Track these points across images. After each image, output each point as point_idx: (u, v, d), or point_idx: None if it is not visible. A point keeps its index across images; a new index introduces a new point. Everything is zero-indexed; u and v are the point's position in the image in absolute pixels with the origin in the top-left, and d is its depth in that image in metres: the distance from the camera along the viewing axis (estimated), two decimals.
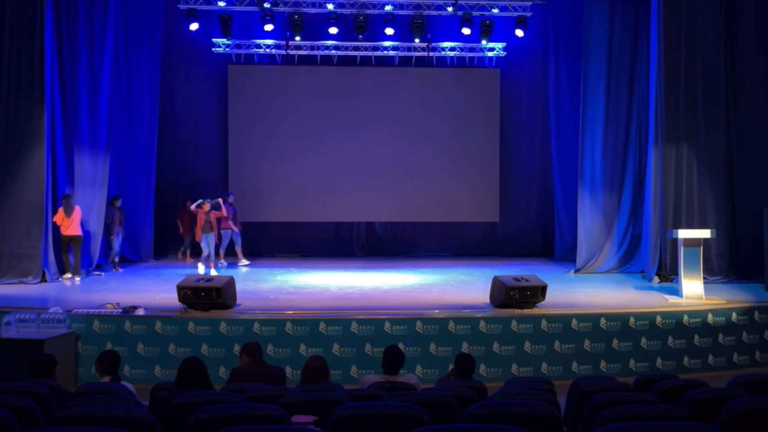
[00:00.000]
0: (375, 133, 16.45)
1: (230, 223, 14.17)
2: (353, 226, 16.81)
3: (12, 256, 11.72)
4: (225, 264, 14.15)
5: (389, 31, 15.05)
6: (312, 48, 16.00)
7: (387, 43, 15.98)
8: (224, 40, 15.58)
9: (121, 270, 13.48)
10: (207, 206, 13.33)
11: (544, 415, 4.17)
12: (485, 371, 8.81)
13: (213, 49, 15.86)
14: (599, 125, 13.49)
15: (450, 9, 14.84)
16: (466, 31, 15.00)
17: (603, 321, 9.18)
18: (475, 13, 14.99)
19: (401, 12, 15.05)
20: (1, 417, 3.90)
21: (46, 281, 11.85)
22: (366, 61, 16.35)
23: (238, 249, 14.39)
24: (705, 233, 10.37)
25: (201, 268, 12.84)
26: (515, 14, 15.12)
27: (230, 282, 9.65)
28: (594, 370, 9.06)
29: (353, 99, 16.45)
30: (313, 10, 14.92)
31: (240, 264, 14.33)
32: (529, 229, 16.97)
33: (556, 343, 9.07)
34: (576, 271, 13.48)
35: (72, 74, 12.82)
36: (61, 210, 12.15)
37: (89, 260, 13.10)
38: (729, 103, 12.60)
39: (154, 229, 15.04)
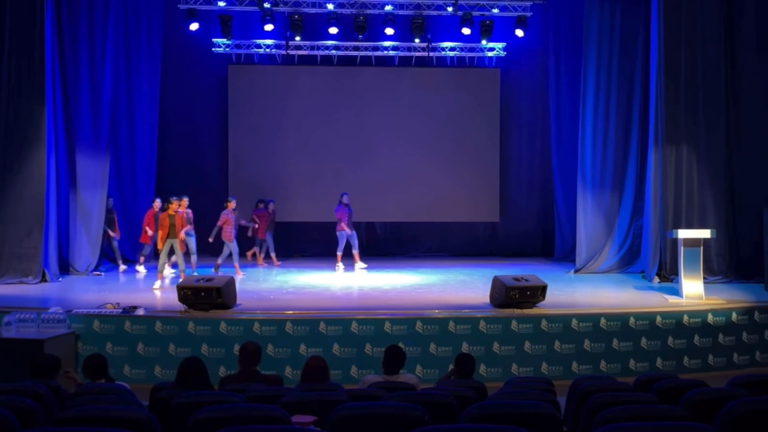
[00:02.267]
0: (375, 133, 16.45)
1: (344, 224, 14.02)
2: (353, 226, 16.78)
3: (12, 256, 11.73)
4: (342, 267, 13.90)
5: (389, 31, 15.04)
6: (312, 48, 16.00)
7: (387, 43, 15.98)
8: (224, 40, 15.58)
9: (125, 267, 13.36)
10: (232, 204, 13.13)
11: (544, 415, 4.17)
12: (485, 371, 8.81)
13: (213, 49, 15.85)
14: (599, 125, 13.49)
15: (450, 9, 14.83)
16: (466, 31, 14.99)
17: (603, 321, 9.19)
18: (475, 13, 14.97)
19: (401, 12, 15.04)
20: (1, 417, 3.90)
21: (46, 281, 11.85)
22: (366, 61, 16.35)
23: (355, 252, 14.14)
24: (705, 233, 10.37)
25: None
26: (515, 14, 15.11)
27: (230, 282, 9.65)
28: (594, 370, 9.07)
29: (353, 99, 16.45)
30: (313, 10, 14.92)
31: (357, 267, 14.03)
32: (529, 229, 16.97)
33: (556, 343, 9.07)
34: (576, 271, 13.48)
35: (72, 74, 12.83)
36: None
37: (89, 260, 13.10)
38: (729, 103, 12.60)
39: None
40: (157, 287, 11.28)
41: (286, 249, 14.64)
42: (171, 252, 11.97)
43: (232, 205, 13.17)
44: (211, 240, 13.20)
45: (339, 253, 14.01)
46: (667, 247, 12.20)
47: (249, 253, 14.92)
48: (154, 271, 12.30)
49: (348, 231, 14.05)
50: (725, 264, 12.40)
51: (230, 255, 13.07)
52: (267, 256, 14.78)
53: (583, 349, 9.11)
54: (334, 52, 16.08)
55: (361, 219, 16.61)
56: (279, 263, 14.56)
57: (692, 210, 12.40)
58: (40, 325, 8.45)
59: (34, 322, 8.46)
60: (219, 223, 13.06)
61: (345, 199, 14.16)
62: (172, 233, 11.69)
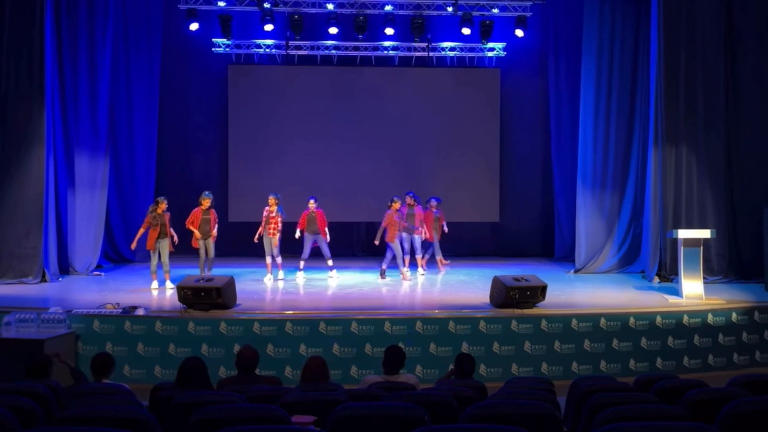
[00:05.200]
0: (375, 133, 16.45)
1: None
2: (353, 226, 16.79)
3: (12, 256, 11.73)
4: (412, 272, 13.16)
5: (389, 31, 15.04)
6: (312, 48, 16.00)
7: (387, 43, 15.98)
8: (224, 40, 15.58)
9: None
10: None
11: (544, 415, 4.17)
12: (485, 371, 8.81)
13: (213, 49, 15.85)
14: (600, 125, 13.49)
15: (450, 9, 14.84)
16: (466, 31, 14.99)
17: (603, 321, 9.18)
18: (475, 13, 14.98)
19: (401, 12, 15.05)
20: (1, 417, 3.90)
21: (46, 281, 11.85)
22: (366, 61, 16.34)
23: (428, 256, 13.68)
24: (705, 233, 10.37)
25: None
26: (515, 14, 15.11)
27: (230, 282, 9.65)
28: (594, 370, 9.07)
29: (353, 99, 16.45)
30: (313, 10, 14.92)
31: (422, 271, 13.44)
32: (529, 229, 16.96)
33: (556, 343, 9.07)
34: (576, 271, 13.49)
35: (72, 74, 12.83)
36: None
37: (89, 260, 13.10)
38: (729, 103, 12.60)
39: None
40: (155, 287, 11.25)
41: (285, 249, 14.59)
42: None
43: (396, 205, 12.47)
44: (376, 242, 12.73)
45: (420, 257, 13.37)
46: (667, 247, 12.20)
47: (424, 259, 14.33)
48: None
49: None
50: (725, 264, 12.40)
51: (394, 258, 12.48)
52: (432, 259, 13.94)
53: (583, 349, 9.11)
54: (334, 52, 16.07)
55: (361, 219, 16.62)
56: (445, 268, 13.78)
57: (692, 210, 12.40)
58: (40, 325, 8.45)
59: (34, 322, 8.46)
60: (383, 224, 12.45)
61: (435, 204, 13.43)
62: (162, 233, 11.22)
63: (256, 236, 12.38)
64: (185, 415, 4.26)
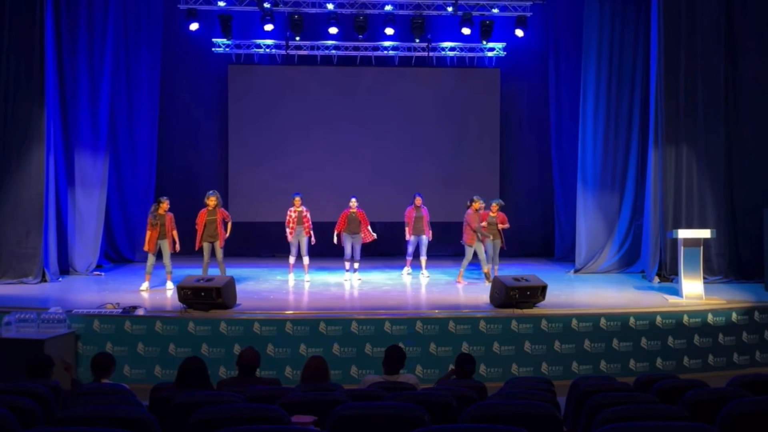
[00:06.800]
0: (375, 133, 16.45)
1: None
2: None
3: (12, 256, 11.72)
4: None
5: (389, 31, 15.05)
6: (312, 48, 16.00)
7: (387, 43, 15.98)
8: (224, 40, 15.58)
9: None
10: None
11: (544, 415, 4.17)
12: (485, 371, 8.81)
13: (213, 49, 15.85)
14: (600, 125, 13.49)
15: (450, 9, 14.84)
16: (466, 31, 14.99)
17: (603, 321, 9.19)
18: (475, 13, 14.98)
19: (401, 12, 15.05)
20: (1, 417, 3.90)
21: (46, 281, 11.84)
22: (366, 61, 16.35)
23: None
24: (705, 233, 10.37)
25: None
26: (515, 14, 15.12)
27: (230, 282, 9.65)
28: (594, 370, 9.07)
29: (353, 99, 16.45)
30: (313, 10, 14.92)
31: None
32: (529, 229, 16.95)
33: (556, 343, 9.07)
34: (576, 271, 13.49)
35: (72, 74, 12.83)
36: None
37: (89, 260, 13.10)
38: (729, 103, 12.61)
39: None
40: (144, 288, 11.05)
41: (285, 249, 14.60)
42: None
43: (477, 204, 11.97)
44: (463, 242, 12.32)
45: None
46: (667, 247, 12.20)
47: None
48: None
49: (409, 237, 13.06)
50: (725, 264, 12.40)
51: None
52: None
53: (583, 349, 9.11)
54: (334, 52, 16.08)
55: None
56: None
57: (692, 210, 12.40)
58: (40, 325, 8.44)
59: (34, 322, 8.45)
60: (471, 226, 11.95)
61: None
62: (162, 234, 11.12)
63: (289, 236, 12.19)
64: (185, 415, 4.26)
